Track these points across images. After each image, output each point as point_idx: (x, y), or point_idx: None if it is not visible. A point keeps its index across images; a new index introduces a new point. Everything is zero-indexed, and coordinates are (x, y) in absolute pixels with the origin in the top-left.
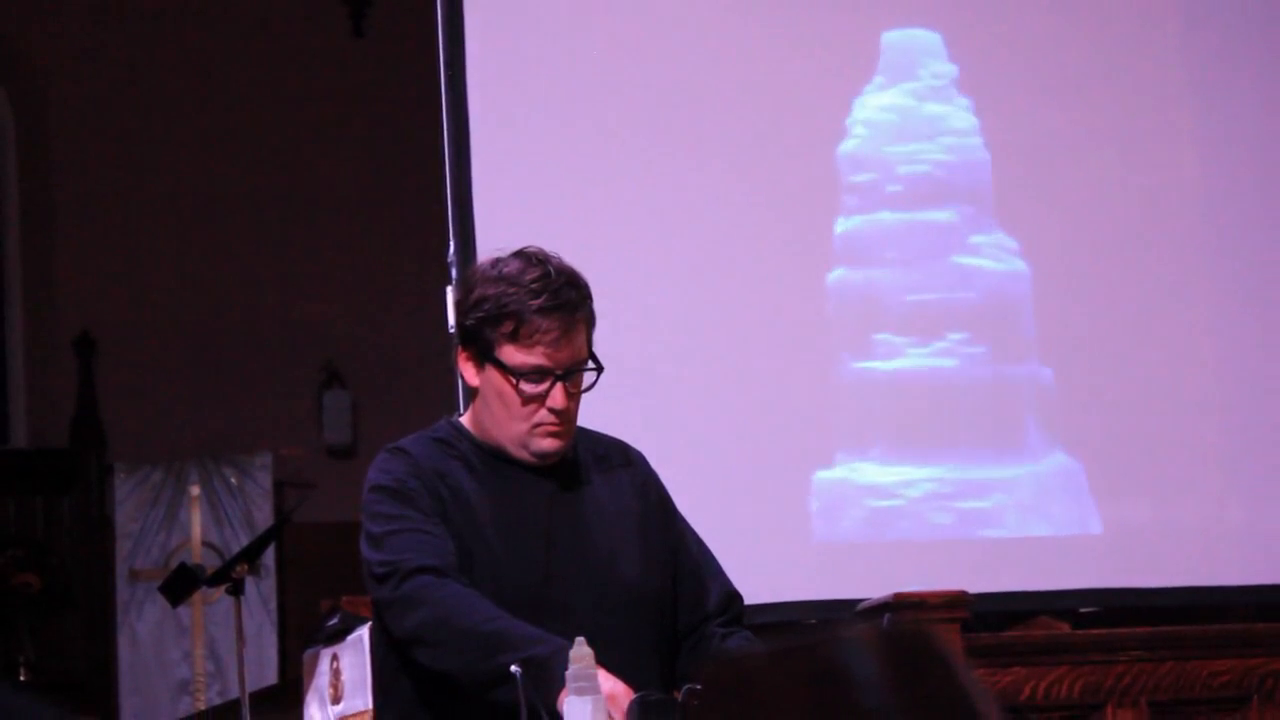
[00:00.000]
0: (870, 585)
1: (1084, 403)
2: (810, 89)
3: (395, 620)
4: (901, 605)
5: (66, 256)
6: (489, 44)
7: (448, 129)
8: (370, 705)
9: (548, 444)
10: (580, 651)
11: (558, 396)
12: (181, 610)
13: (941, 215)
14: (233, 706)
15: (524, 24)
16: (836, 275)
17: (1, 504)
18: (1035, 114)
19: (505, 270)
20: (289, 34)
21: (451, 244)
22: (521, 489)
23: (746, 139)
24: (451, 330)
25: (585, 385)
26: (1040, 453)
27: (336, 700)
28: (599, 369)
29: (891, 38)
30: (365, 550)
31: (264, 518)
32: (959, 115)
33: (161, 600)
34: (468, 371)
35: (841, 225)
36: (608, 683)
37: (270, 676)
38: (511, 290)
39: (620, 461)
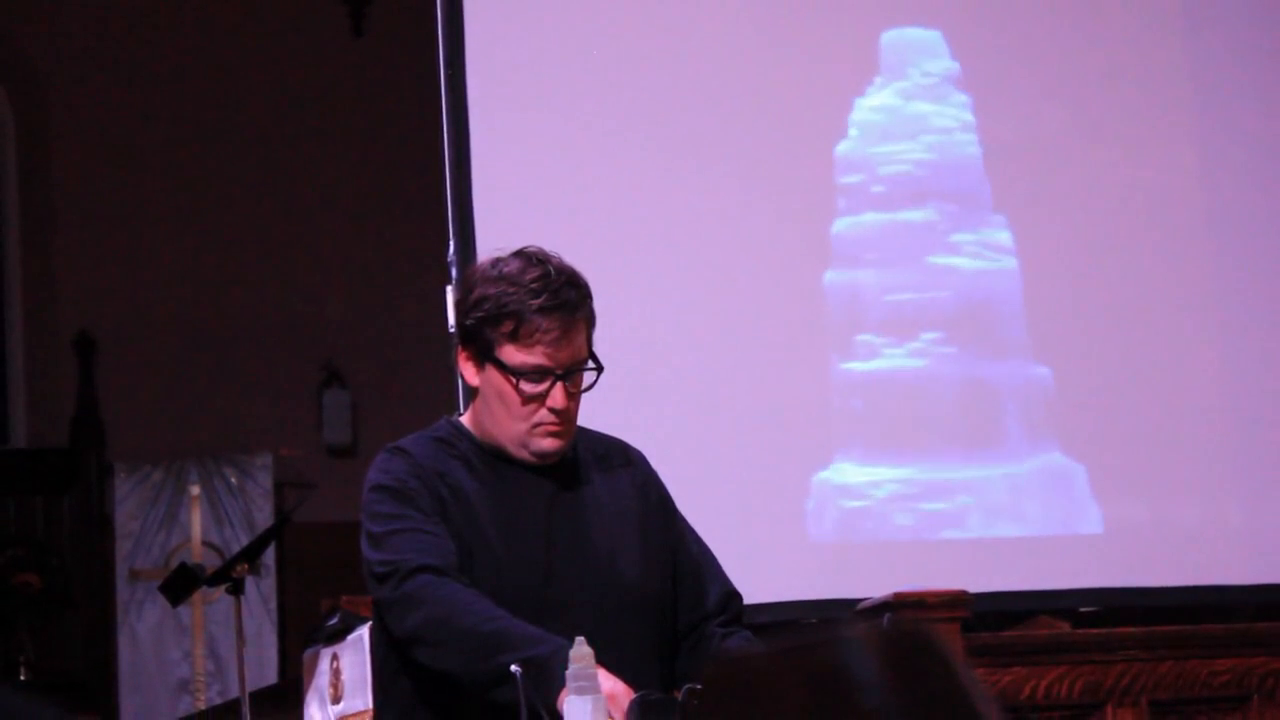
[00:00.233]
0: (870, 585)
1: (1084, 403)
2: (811, 89)
3: (395, 620)
4: (901, 605)
5: (66, 256)
6: (489, 44)
7: (448, 129)
8: (370, 705)
9: (548, 444)
10: (580, 651)
11: (558, 396)
12: (182, 610)
13: (942, 216)
14: (233, 706)
15: (524, 24)
16: (837, 275)
17: (1, 504)
18: (1036, 113)
19: (505, 270)
20: (289, 34)
21: (451, 244)
22: (522, 489)
23: (747, 138)
24: (451, 330)
25: (585, 385)
26: (1041, 452)
27: (336, 700)
28: (599, 369)
29: (891, 37)
30: (365, 550)
31: (264, 517)
32: (959, 114)
33: (162, 600)
34: (468, 371)
35: (843, 225)
36: (608, 682)
37: (270, 676)
38: (511, 290)
39: (620, 461)
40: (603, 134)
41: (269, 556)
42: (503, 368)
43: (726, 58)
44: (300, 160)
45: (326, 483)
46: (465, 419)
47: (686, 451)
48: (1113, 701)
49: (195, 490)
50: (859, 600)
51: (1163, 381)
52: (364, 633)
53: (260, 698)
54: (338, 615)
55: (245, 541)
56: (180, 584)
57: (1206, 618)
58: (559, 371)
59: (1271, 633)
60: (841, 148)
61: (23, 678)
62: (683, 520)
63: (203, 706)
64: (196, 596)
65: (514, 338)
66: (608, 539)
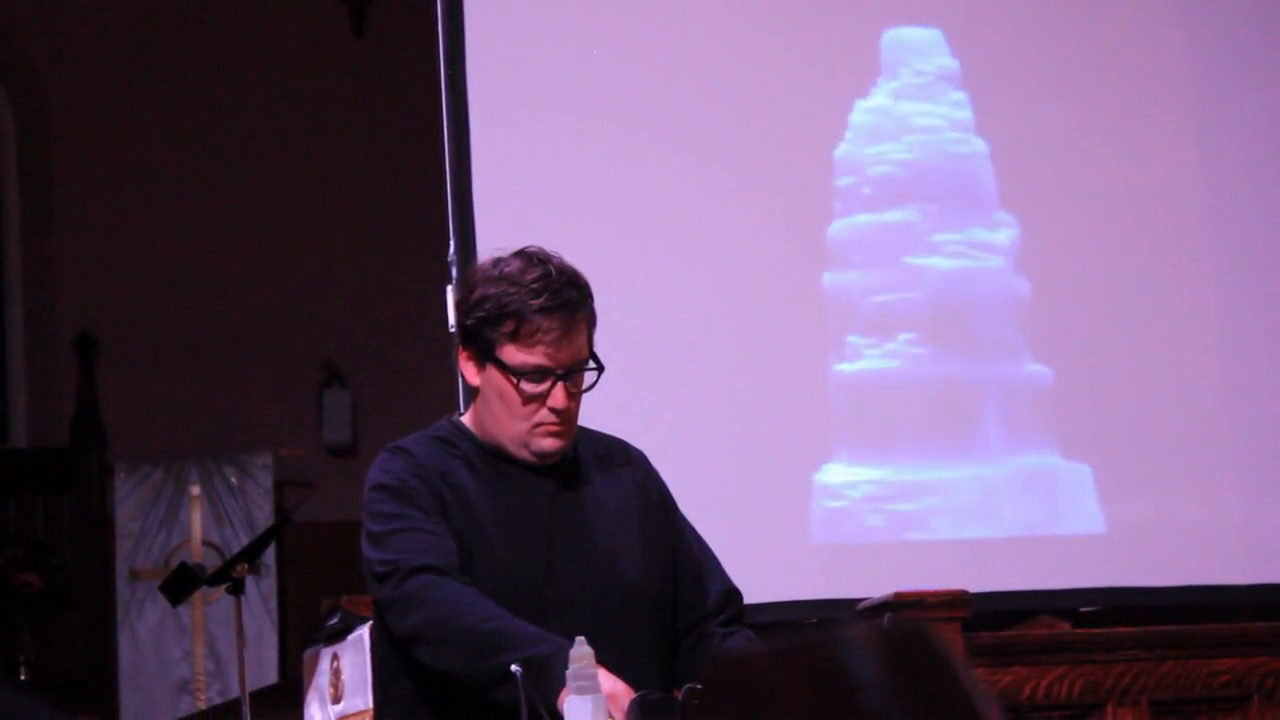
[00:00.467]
0: (870, 584)
1: (1085, 403)
2: (810, 89)
3: (396, 619)
4: (902, 604)
5: (67, 256)
6: (489, 44)
7: (448, 129)
8: (370, 705)
9: (548, 444)
10: (580, 651)
11: (558, 396)
12: (182, 610)
13: (945, 216)
14: (233, 706)
15: (524, 24)
16: (837, 276)
17: (2, 503)
18: (1036, 113)
19: (506, 270)
20: (289, 34)
21: (451, 243)
22: (522, 488)
23: (747, 139)
24: (452, 330)
25: (586, 385)
26: (1041, 452)
27: (337, 700)
28: (600, 369)
29: (891, 36)
30: (366, 549)
31: (264, 517)
32: (960, 114)
33: (162, 599)
34: (468, 371)
35: (844, 224)
36: (608, 682)
37: (271, 676)
38: (512, 290)
39: (621, 461)
40: (603, 133)
41: (269, 556)
42: (503, 368)
43: (726, 58)
44: (300, 160)
45: (327, 482)
46: (466, 419)
47: (687, 451)
48: (1113, 701)
49: (195, 490)
50: (859, 600)
51: (1163, 381)
52: (364, 632)
53: (260, 697)
54: (338, 615)
55: (245, 541)
56: (180, 584)
57: (1207, 617)
58: (560, 371)
59: (1272, 632)
60: (841, 149)
61: (23, 678)
62: (683, 518)
63: (203, 706)
64: (197, 596)
65: (515, 338)
66: (608, 539)
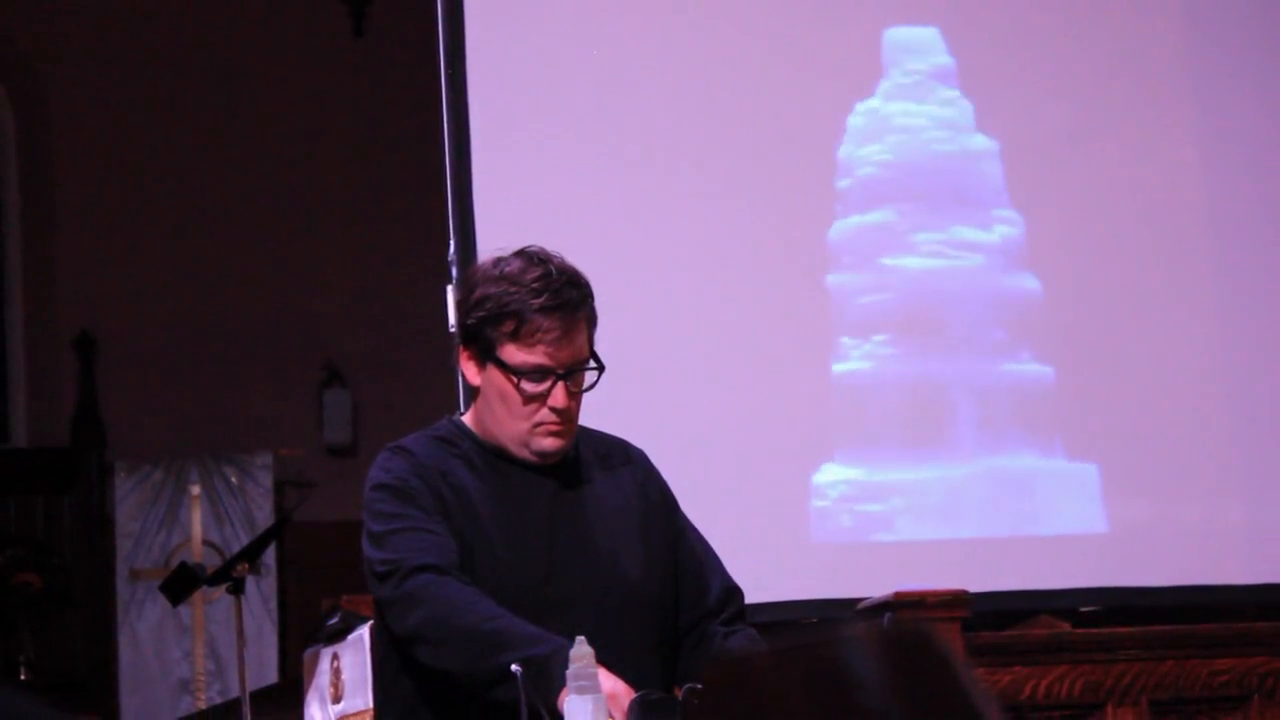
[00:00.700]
0: (870, 584)
1: (1086, 403)
2: (810, 89)
3: (396, 618)
4: (902, 604)
5: (67, 256)
6: (489, 44)
7: (448, 128)
8: (371, 704)
9: (549, 443)
10: (580, 651)
11: (559, 396)
12: (182, 609)
13: (946, 215)
14: (233, 706)
15: (524, 24)
16: (838, 275)
17: (2, 503)
18: (1037, 113)
19: (507, 270)
20: (289, 34)
21: (452, 243)
22: (523, 488)
23: (747, 139)
24: (452, 329)
25: (586, 384)
26: (1042, 452)
27: (337, 699)
28: (600, 368)
29: (891, 36)
30: (367, 549)
31: (264, 517)
32: (959, 114)
33: (162, 599)
34: (469, 371)
35: (846, 224)
36: (608, 682)
37: (271, 676)
38: (513, 290)
39: (621, 460)
40: (602, 133)
41: (269, 556)
42: (504, 367)
43: (726, 58)
44: (300, 160)
45: (327, 482)
46: (467, 418)
47: (687, 450)
48: (1113, 701)
49: (196, 490)
50: (859, 600)
51: (1164, 381)
52: (364, 632)
53: (261, 697)
54: (338, 615)
55: (246, 541)
56: (181, 583)
57: (1207, 617)
58: (560, 371)
59: (1272, 632)
60: (841, 150)
61: (23, 677)
62: (684, 517)
63: (203, 706)
64: (197, 596)
65: (515, 337)
66: (609, 538)
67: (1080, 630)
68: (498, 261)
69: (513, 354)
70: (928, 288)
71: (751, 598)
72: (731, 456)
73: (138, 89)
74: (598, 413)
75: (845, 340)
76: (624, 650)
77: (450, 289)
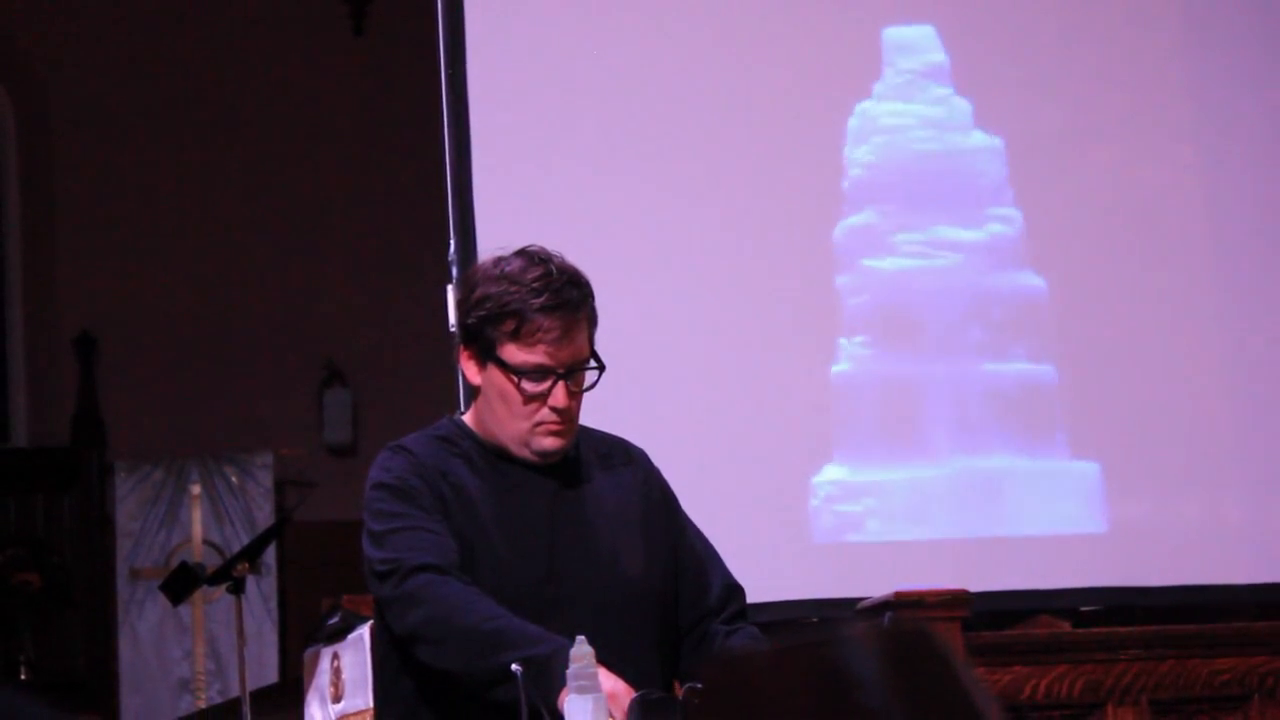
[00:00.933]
0: (871, 584)
1: (1088, 403)
2: (809, 89)
3: (396, 618)
4: (902, 604)
5: (67, 256)
6: (489, 43)
7: (448, 128)
8: (371, 704)
9: (549, 443)
10: (581, 650)
11: (559, 395)
12: (182, 609)
13: (948, 214)
14: (233, 705)
15: (524, 23)
16: (839, 274)
17: (2, 502)
18: (1034, 113)
19: (507, 269)
20: (289, 34)
21: (452, 243)
22: (524, 487)
23: (747, 137)
24: (453, 329)
25: (587, 384)
26: (1043, 452)
27: (337, 699)
28: (601, 368)
29: (889, 35)
30: (367, 548)
31: (265, 516)
32: (956, 113)
33: (162, 599)
34: (469, 370)
35: (845, 223)
36: (609, 681)
37: (271, 675)
38: (513, 289)
39: (622, 459)
40: (602, 133)
41: (270, 555)
42: (504, 367)
43: (725, 58)
44: (300, 159)
45: (327, 482)
46: (467, 418)
47: (687, 450)
48: (1113, 701)
49: (196, 489)
50: (859, 599)
51: (1164, 381)
52: (365, 632)
53: (261, 697)
54: (338, 614)
55: (246, 540)
56: (181, 583)
57: (1207, 617)
58: (560, 371)
59: (1272, 632)
60: (840, 149)
61: (23, 677)
62: (684, 516)
63: (203, 705)
64: (197, 595)
65: (515, 337)
66: (610, 538)
67: (1080, 630)
68: (498, 261)
69: (513, 353)
70: (928, 287)
71: (751, 597)
72: (731, 456)
73: (138, 89)
74: (598, 412)
75: (846, 340)
76: (624, 650)
77: (450, 288)
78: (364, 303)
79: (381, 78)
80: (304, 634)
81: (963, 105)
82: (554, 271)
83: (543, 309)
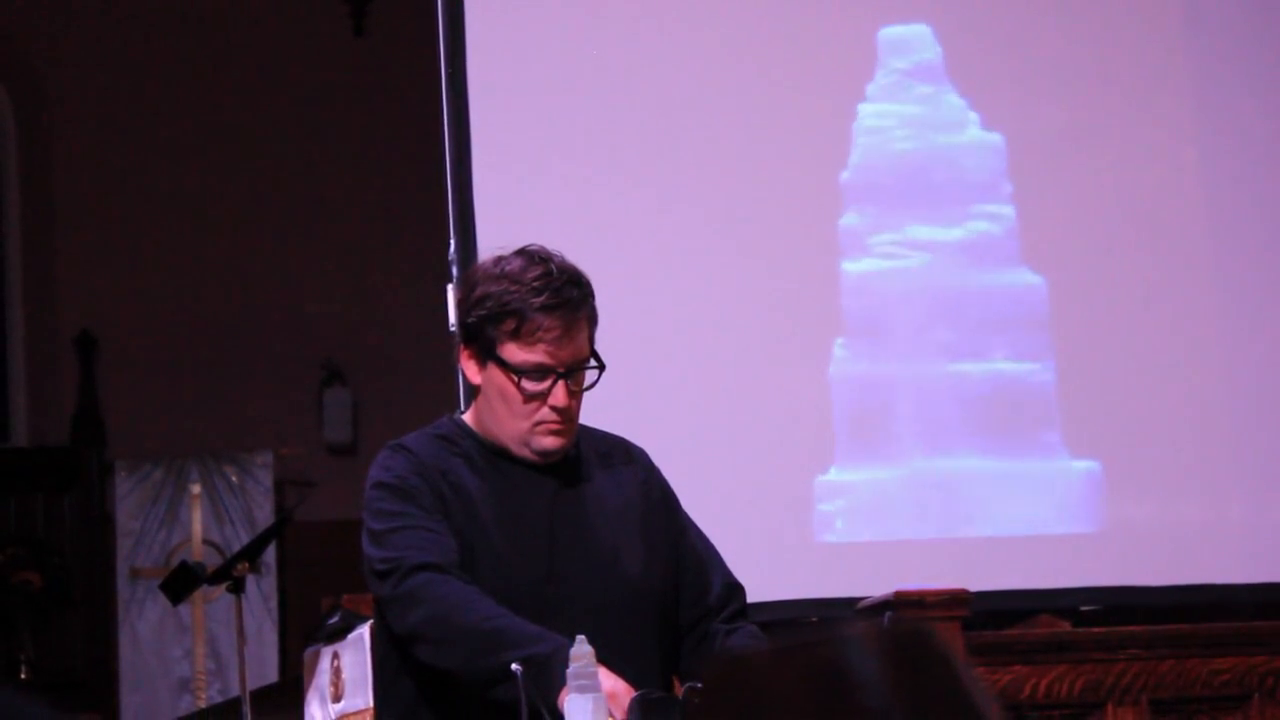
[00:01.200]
0: (871, 583)
1: (1088, 402)
2: (808, 88)
3: (396, 617)
4: (902, 603)
5: (67, 255)
6: (489, 43)
7: (448, 128)
8: (371, 703)
9: (549, 442)
10: (581, 650)
11: (559, 395)
12: (182, 608)
13: (947, 214)
14: (233, 705)
15: (524, 23)
16: (841, 272)
17: (2, 502)
18: (1033, 111)
19: (507, 268)
20: (289, 34)
21: (452, 242)
22: (524, 487)
23: (746, 137)
24: (453, 328)
25: (587, 383)
26: (1043, 451)
27: (337, 698)
28: (601, 367)
29: (887, 34)
30: (367, 547)
31: (265, 516)
32: (955, 113)
33: (162, 598)
34: (470, 369)
35: (845, 223)
36: (609, 681)
37: (271, 675)
38: (513, 288)
39: (622, 459)
40: (604, 132)
41: (270, 555)
42: (504, 366)
43: (724, 57)
44: (300, 159)
45: (327, 481)
46: (467, 417)
47: (687, 449)
48: (1113, 700)
49: (196, 489)
50: (859, 599)
51: (1165, 381)
52: (365, 631)
53: (261, 696)
54: (338, 614)
55: (246, 540)
56: (181, 582)
57: (1207, 616)
58: (561, 370)
59: (1272, 631)
60: (839, 148)
61: (23, 676)
62: (685, 515)
63: (203, 705)
64: (197, 595)
65: (516, 336)
66: (610, 537)
67: (1080, 630)
68: (498, 260)
69: (513, 353)
70: (930, 285)
71: (752, 597)
72: (732, 455)
73: (138, 89)
74: (598, 412)
75: (846, 339)
76: (624, 649)
77: (450, 288)
78: (364, 303)
79: (381, 78)
80: (304, 634)
81: (962, 104)
82: (554, 271)
83: (543, 308)
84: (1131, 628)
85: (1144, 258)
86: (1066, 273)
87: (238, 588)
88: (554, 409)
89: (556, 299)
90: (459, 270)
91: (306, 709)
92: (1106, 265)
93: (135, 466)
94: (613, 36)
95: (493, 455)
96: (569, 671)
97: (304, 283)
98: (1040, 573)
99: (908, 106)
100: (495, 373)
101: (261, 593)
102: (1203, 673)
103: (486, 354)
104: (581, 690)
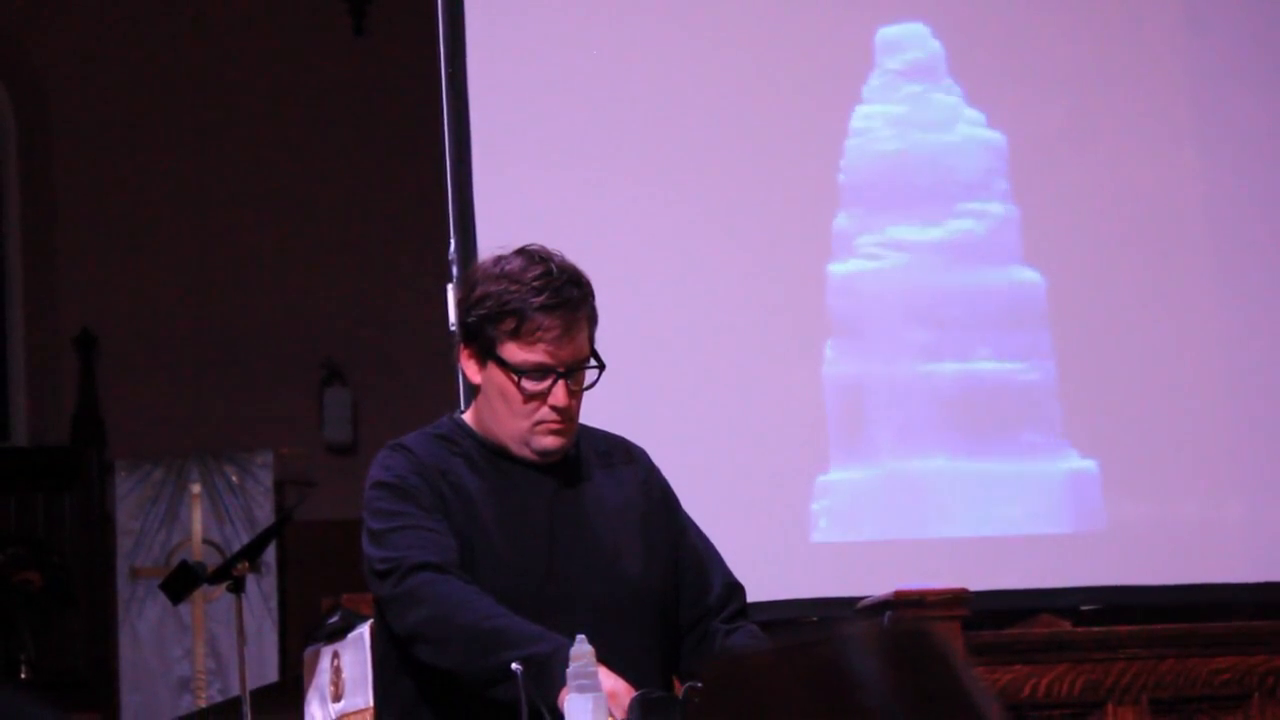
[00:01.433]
0: (870, 583)
1: (1089, 401)
2: (808, 88)
3: (396, 617)
4: (901, 603)
5: (68, 255)
6: (489, 43)
7: (448, 127)
8: (371, 703)
9: (549, 441)
10: (581, 649)
11: (559, 394)
12: (182, 608)
13: (947, 214)
14: (234, 704)
15: (524, 23)
16: (840, 271)
17: (2, 501)
18: (1033, 110)
19: (507, 268)
20: (289, 33)
21: (452, 242)
22: (524, 486)
23: (745, 137)
24: (453, 328)
25: (587, 383)
26: (1044, 451)
27: (337, 698)
28: (601, 366)
29: (885, 34)
30: (367, 547)
31: (265, 515)
32: (954, 112)
33: (162, 598)
34: (469, 369)
35: (842, 222)
36: (609, 680)
37: (271, 674)
38: (513, 288)
39: (622, 458)
40: (604, 132)
41: (270, 555)
42: (504, 365)
43: (724, 57)
44: (300, 159)
45: (327, 481)
46: (467, 416)
47: (687, 448)
48: (1113, 700)
49: (196, 488)
50: (859, 599)
51: (1165, 380)
52: (365, 631)
53: (261, 696)
54: (338, 613)
55: (246, 539)
56: (181, 582)
57: (1207, 616)
58: (560, 369)
59: (1272, 631)
60: (838, 146)
61: (23, 676)
62: (685, 514)
63: (204, 704)
64: (197, 595)
65: (516, 335)
66: (610, 536)
67: (1080, 629)
68: (498, 260)
69: (513, 352)
70: (929, 284)
71: (752, 597)
72: (732, 455)
73: (138, 89)
74: (598, 411)
75: (846, 338)
76: (624, 649)
77: (450, 288)
78: (364, 303)
79: (381, 78)
80: (304, 633)
81: (961, 104)
82: (554, 270)
83: (543, 308)
84: (1131, 627)
85: (1144, 257)
86: (1066, 272)
87: (238, 587)
88: (554, 408)
89: (556, 299)
90: (459, 270)
91: (306, 708)
92: (1106, 264)
93: (135, 466)
94: (612, 37)
95: (493, 455)
96: (569, 671)
97: (304, 283)
98: (1040, 572)
99: (906, 107)
100: (495, 372)
101: (261, 592)
102: (1203, 672)
103: (486, 353)
104: (581, 690)
